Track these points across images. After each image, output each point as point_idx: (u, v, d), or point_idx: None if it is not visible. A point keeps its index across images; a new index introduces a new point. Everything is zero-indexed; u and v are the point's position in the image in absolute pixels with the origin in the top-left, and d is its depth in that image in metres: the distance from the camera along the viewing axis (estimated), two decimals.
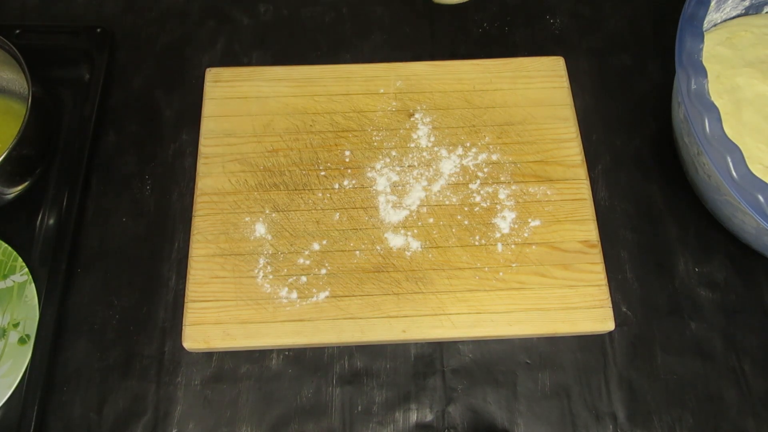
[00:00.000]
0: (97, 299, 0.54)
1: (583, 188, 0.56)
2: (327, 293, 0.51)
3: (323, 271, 0.52)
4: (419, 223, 0.54)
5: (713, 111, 0.46)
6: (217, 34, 0.66)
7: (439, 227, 0.54)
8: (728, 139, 0.46)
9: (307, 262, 0.52)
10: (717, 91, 0.57)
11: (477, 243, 0.53)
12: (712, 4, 0.53)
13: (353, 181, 0.56)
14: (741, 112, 0.56)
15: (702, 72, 0.48)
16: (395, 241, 0.53)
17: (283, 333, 0.50)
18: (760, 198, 0.44)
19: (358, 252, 0.53)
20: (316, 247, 0.53)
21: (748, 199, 0.45)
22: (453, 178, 0.56)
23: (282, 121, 0.58)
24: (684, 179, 0.59)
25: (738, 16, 0.61)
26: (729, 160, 0.45)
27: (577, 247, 0.53)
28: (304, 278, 0.52)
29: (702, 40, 0.49)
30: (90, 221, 0.57)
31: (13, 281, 0.53)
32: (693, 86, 0.48)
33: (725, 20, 0.61)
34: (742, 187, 0.45)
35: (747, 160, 0.45)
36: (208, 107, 0.58)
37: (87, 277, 0.55)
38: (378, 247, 0.53)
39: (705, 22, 0.51)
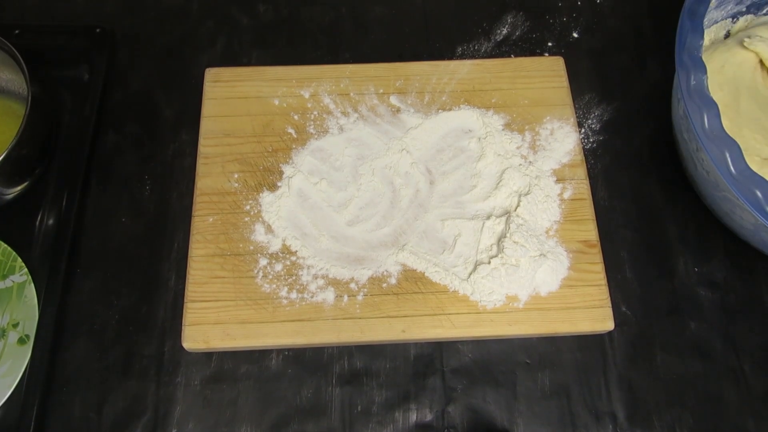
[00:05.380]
0: (97, 299, 0.54)
1: (582, 188, 0.56)
2: (326, 293, 0.51)
3: (322, 271, 0.52)
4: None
5: (712, 107, 0.47)
6: (217, 34, 0.66)
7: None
8: (727, 134, 0.46)
9: (307, 262, 0.52)
10: (718, 83, 0.57)
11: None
12: (713, 1, 0.53)
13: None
14: (739, 103, 0.56)
15: (702, 68, 0.48)
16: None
17: (282, 333, 0.50)
18: (758, 194, 0.44)
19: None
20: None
21: (746, 195, 0.45)
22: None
23: (282, 121, 0.58)
24: (683, 179, 0.58)
25: (738, 14, 0.61)
26: (727, 155, 0.45)
27: (576, 246, 0.53)
28: (303, 278, 0.52)
29: (702, 36, 0.49)
30: (90, 221, 0.57)
31: (13, 281, 0.53)
32: (692, 82, 0.48)
33: (725, 18, 0.61)
34: (740, 183, 0.45)
35: (744, 152, 0.45)
36: (208, 107, 0.58)
37: (87, 277, 0.55)
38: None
39: (705, 19, 0.51)
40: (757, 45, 0.57)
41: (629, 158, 0.61)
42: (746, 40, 0.58)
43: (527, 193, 0.54)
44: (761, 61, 0.58)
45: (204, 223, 0.54)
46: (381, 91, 0.60)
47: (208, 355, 0.53)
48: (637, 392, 0.52)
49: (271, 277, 0.52)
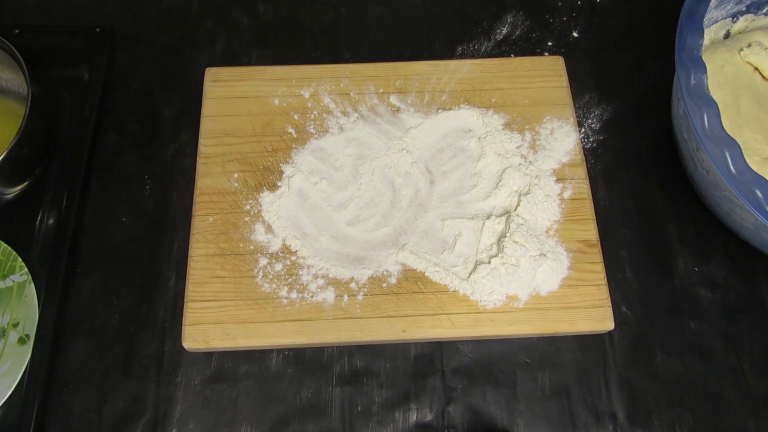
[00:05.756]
0: (97, 299, 0.54)
1: (582, 187, 0.56)
2: (326, 293, 0.51)
3: (322, 271, 0.52)
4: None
5: (712, 106, 0.47)
6: (217, 34, 0.66)
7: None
8: (727, 134, 0.46)
9: (307, 262, 0.52)
10: (719, 83, 0.57)
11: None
12: (712, 1, 0.53)
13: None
14: (739, 103, 0.56)
15: (701, 68, 0.48)
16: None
17: (282, 333, 0.50)
18: (758, 193, 0.44)
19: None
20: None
21: (746, 195, 0.45)
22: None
23: (282, 121, 0.58)
24: (683, 178, 0.58)
25: (738, 13, 0.61)
26: (727, 155, 0.45)
27: (576, 246, 0.53)
28: (303, 278, 0.52)
29: (702, 36, 0.49)
30: (90, 221, 0.57)
31: (13, 281, 0.53)
32: (692, 82, 0.48)
33: (725, 18, 0.61)
34: (740, 183, 0.45)
35: (744, 152, 0.45)
36: (208, 107, 0.58)
37: (87, 277, 0.55)
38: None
39: (705, 19, 0.51)
40: (754, 57, 0.58)
41: (629, 158, 0.61)
42: (744, 50, 0.58)
43: (527, 193, 0.54)
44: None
45: (204, 222, 0.54)
46: (381, 90, 0.60)
47: (208, 355, 0.53)
48: (637, 392, 0.52)
49: (271, 276, 0.52)
